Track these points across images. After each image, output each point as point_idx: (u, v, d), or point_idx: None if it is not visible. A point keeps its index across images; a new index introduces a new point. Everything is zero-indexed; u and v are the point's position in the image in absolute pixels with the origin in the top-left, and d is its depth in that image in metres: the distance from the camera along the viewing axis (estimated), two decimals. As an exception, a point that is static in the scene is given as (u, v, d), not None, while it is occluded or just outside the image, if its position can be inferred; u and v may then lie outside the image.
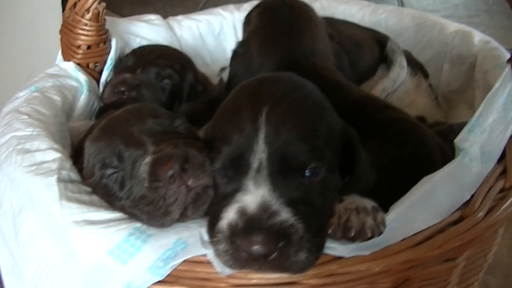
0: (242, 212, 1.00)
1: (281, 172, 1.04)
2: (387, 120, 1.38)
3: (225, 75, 1.96)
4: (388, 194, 1.16)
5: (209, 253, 1.03)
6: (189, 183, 1.05)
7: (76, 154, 1.34)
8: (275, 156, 1.04)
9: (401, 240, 1.07)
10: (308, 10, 1.77)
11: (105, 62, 1.73)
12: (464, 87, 1.91)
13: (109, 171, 1.13)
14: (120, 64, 1.78)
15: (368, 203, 1.06)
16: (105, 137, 1.16)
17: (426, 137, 1.34)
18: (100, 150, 1.15)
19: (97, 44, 1.67)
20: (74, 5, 1.59)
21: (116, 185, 1.13)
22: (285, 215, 0.99)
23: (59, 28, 1.67)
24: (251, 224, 0.98)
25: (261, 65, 1.64)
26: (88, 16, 1.59)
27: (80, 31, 1.62)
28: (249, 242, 0.95)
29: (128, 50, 1.87)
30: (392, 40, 1.99)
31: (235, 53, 1.75)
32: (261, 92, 1.12)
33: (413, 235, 1.08)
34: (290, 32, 1.66)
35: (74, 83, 1.59)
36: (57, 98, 1.49)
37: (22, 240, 1.15)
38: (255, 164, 1.04)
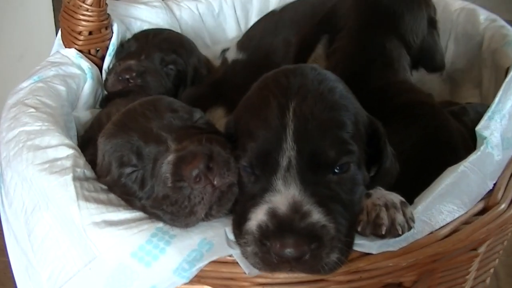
0: (272, 214, 0.96)
1: (311, 170, 1.00)
2: (410, 103, 1.36)
3: (229, 56, 1.92)
4: (410, 178, 1.16)
5: (235, 253, 1.00)
6: (215, 182, 1.00)
7: (82, 145, 1.29)
8: (305, 154, 1.00)
9: (428, 234, 1.05)
10: None
11: (107, 48, 1.68)
12: (469, 65, 1.88)
13: (128, 169, 1.08)
14: (122, 50, 1.73)
15: (396, 198, 1.03)
16: (122, 134, 1.10)
17: (448, 121, 1.33)
18: (117, 147, 1.09)
19: (98, 30, 1.62)
20: (75, -10, 1.53)
21: (135, 184, 1.08)
22: (316, 215, 0.95)
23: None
24: (282, 226, 0.94)
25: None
26: (89, 1, 1.53)
27: (81, 17, 1.56)
28: (281, 245, 0.92)
29: (128, 34, 1.82)
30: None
31: None
32: (286, 85, 1.06)
33: (439, 228, 1.06)
34: None
35: (77, 71, 1.55)
36: (61, 88, 1.44)
37: (37, 241, 1.11)
38: (284, 162, 0.99)
